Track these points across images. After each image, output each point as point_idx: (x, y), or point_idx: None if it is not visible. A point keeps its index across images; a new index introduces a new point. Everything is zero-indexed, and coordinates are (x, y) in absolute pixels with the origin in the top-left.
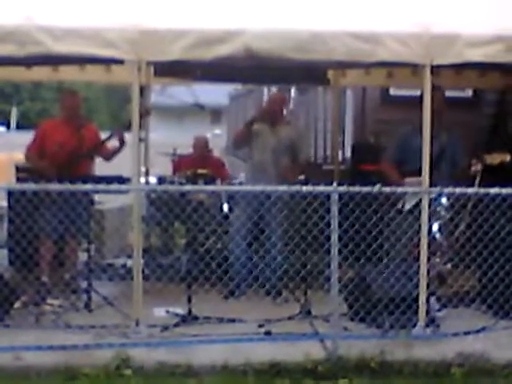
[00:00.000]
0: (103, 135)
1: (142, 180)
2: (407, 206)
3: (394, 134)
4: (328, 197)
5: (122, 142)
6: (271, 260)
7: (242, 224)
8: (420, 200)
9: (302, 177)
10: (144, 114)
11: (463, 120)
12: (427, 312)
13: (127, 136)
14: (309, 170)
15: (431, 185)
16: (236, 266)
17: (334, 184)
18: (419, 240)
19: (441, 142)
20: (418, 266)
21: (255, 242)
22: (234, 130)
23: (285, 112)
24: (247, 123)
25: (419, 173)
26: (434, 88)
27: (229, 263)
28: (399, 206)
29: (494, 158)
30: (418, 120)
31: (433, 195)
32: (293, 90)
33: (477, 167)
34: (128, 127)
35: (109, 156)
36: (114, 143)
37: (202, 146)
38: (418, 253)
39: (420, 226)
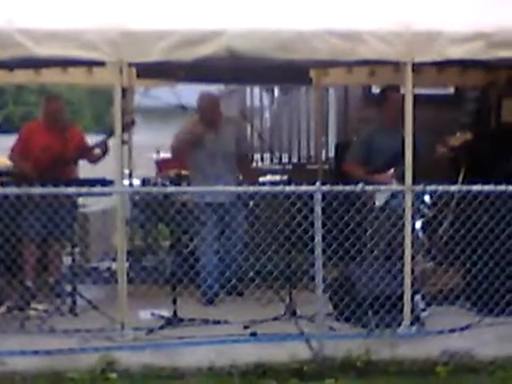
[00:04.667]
0: (88, 138)
1: (126, 182)
2: (378, 203)
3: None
4: (311, 196)
5: (105, 150)
6: (232, 261)
7: (217, 226)
8: (391, 196)
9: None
10: (129, 123)
11: (445, 117)
12: (412, 310)
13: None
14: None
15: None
16: (213, 269)
17: (318, 183)
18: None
19: (402, 138)
20: (402, 265)
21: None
22: (174, 137)
23: (220, 111)
24: (193, 136)
25: (384, 169)
26: (392, 88)
27: (205, 267)
28: (371, 202)
29: (457, 139)
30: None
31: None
32: (276, 90)
33: (443, 150)
34: (112, 131)
35: (95, 159)
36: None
37: None
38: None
39: (396, 222)
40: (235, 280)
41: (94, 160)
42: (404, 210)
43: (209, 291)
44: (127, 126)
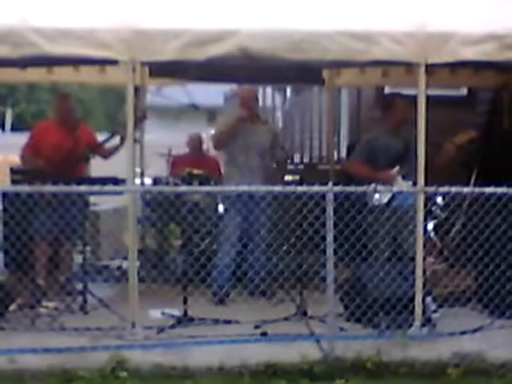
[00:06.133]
0: (100, 136)
1: (137, 181)
2: (384, 200)
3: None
4: (323, 197)
5: (123, 140)
6: (255, 261)
7: (231, 225)
8: (393, 195)
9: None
10: (141, 117)
11: (458, 118)
12: (423, 312)
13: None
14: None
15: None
16: (224, 268)
17: (330, 184)
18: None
19: (404, 139)
20: (414, 266)
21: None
22: (217, 130)
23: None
24: (235, 122)
25: (387, 169)
26: (398, 96)
27: (216, 266)
28: (374, 201)
29: (462, 138)
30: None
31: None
32: (288, 90)
33: (449, 149)
34: (124, 128)
35: (107, 154)
36: (113, 142)
37: (196, 144)
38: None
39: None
40: (247, 280)
41: (106, 155)
42: (411, 207)
43: (219, 291)
44: (139, 120)
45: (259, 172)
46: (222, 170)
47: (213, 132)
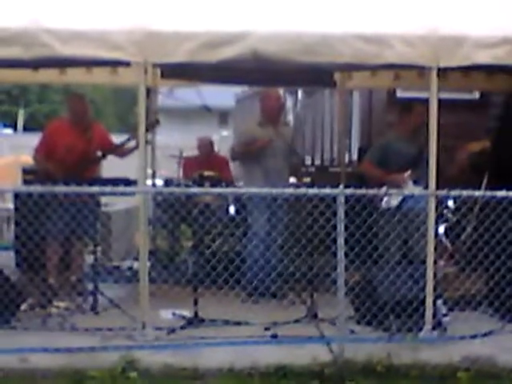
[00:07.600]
0: (113, 138)
1: (149, 182)
2: (394, 203)
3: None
4: (334, 199)
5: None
6: (277, 262)
7: (262, 226)
8: (404, 198)
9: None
10: (153, 123)
11: (470, 122)
12: (434, 315)
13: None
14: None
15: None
16: (255, 268)
17: (341, 186)
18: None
19: (419, 144)
20: (425, 269)
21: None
22: (236, 141)
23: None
24: (256, 148)
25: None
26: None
27: (248, 266)
28: (384, 203)
29: (475, 146)
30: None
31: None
32: (299, 93)
33: (462, 159)
34: (135, 130)
35: (123, 154)
36: (129, 144)
37: (206, 146)
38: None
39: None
40: (257, 281)
41: (122, 154)
42: (422, 211)
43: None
44: (151, 126)
45: (285, 174)
46: (244, 172)
47: (231, 144)
